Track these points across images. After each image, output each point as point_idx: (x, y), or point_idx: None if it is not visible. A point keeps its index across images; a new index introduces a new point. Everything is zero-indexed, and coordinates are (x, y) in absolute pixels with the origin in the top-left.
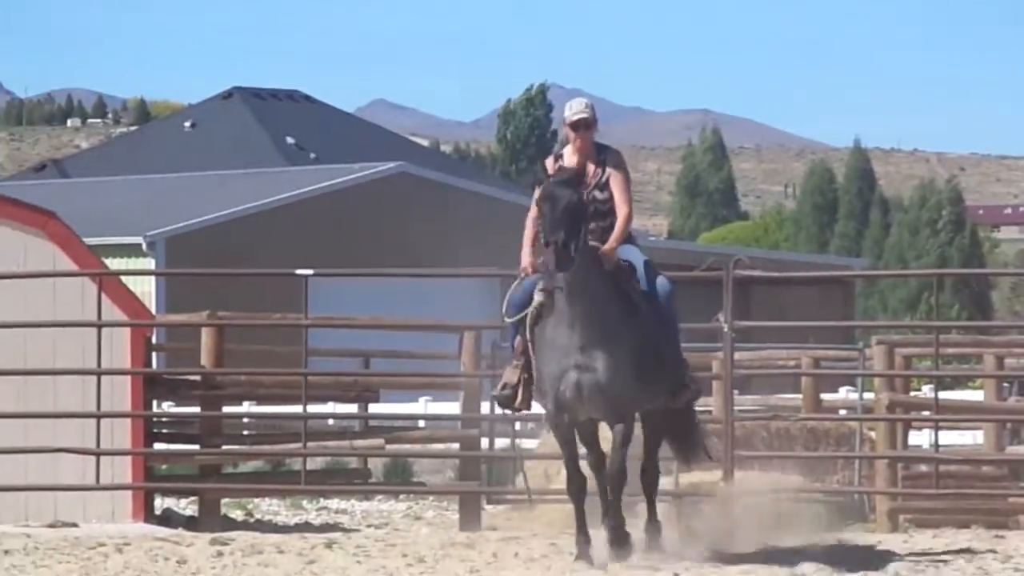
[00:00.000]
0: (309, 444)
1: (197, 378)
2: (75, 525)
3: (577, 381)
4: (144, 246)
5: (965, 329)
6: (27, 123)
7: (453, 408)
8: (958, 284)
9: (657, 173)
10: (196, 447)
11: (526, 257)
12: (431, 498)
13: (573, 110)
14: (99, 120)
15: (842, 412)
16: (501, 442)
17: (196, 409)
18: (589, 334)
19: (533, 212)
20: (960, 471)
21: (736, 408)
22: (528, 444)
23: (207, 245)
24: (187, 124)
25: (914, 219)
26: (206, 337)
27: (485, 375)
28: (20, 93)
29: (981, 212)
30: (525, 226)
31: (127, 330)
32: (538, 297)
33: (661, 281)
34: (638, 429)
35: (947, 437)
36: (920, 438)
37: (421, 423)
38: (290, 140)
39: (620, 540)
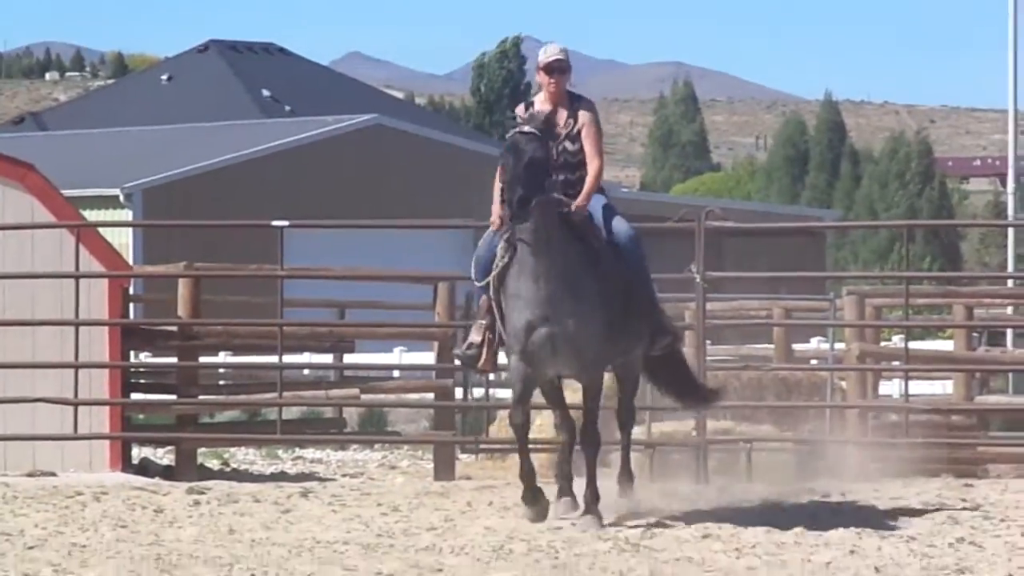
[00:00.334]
0: (285, 394)
1: (174, 329)
2: (53, 474)
3: (547, 335)
4: (121, 198)
5: (935, 280)
6: (5, 76)
7: (427, 358)
8: (928, 235)
9: (630, 125)
10: (173, 397)
11: (496, 210)
12: (406, 447)
13: (547, 53)
14: (77, 73)
15: (813, 362)
16: (475, 392)
17: (173, 359)
18: (555, 287)
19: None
20: (930, 420)
21: (709, 358)
22: (502, 394)
23: (184, 197)
24: (164, 77)
25: (884, 171)
26: (183, 288)
27: (459, 325)
28: (1, 47)
29: (950, 164)
30: (495, 178)
31: (105, 281)
32: (500, 253)
33: (623, 229)
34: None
35: (917, 387)
36: (890, 388)
37: (396, 373)
38: (266, 93)
39: (593, 500)
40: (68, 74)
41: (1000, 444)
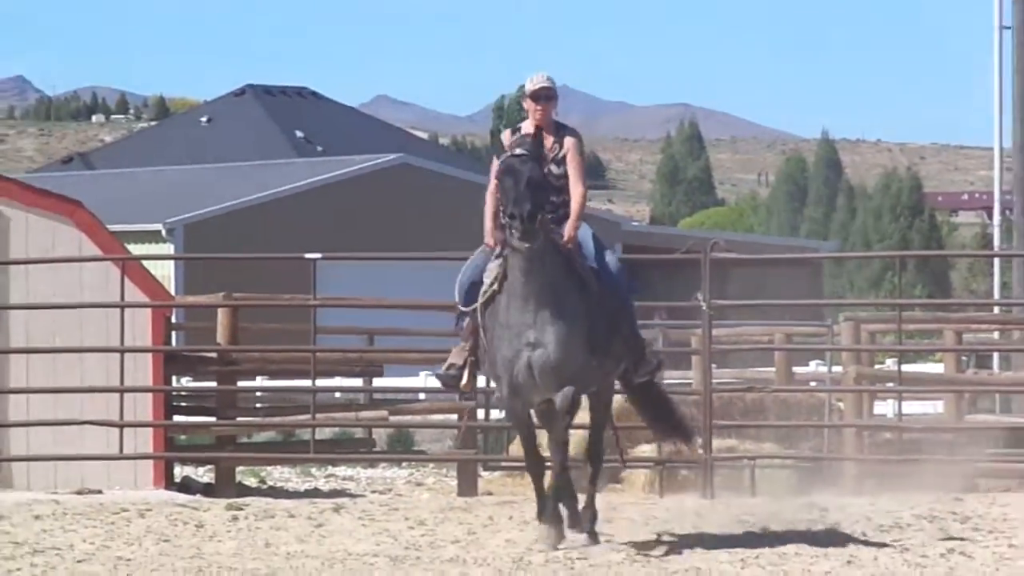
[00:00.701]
0: (318, 416)
1: (213, 355)
2: (100, 492)
3: (528, 361)
4: (164, 232)
5: (926, 306)
6: (55, 119)
7: None
8: (919, 265)
9: (639, 163)
10: (213, 419)
11: (490, 233)
12: (431, 465)
13: (534, 81)
14: (122, 116)
15: (812, 384)
16: (496, 413)
17: (213, 384)
18: (542, 311)
19: (492, 186)
20: (922, 438)
21: (714, 380)
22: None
23: (222, 231)
24: (203, 119)
25: (878, 205)
26: (221, 317)
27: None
28: (49, 91)
29: (940, 198)
30: (486, 202)
31: (148, 311)
32: (488, 278)
33: (611, 258)
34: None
35: (910, 407)
36: (885, 408)
37: (422, 396)
38: (299, 134)
39: (555, 518)
40: (113, 117)
41: (988, 460)
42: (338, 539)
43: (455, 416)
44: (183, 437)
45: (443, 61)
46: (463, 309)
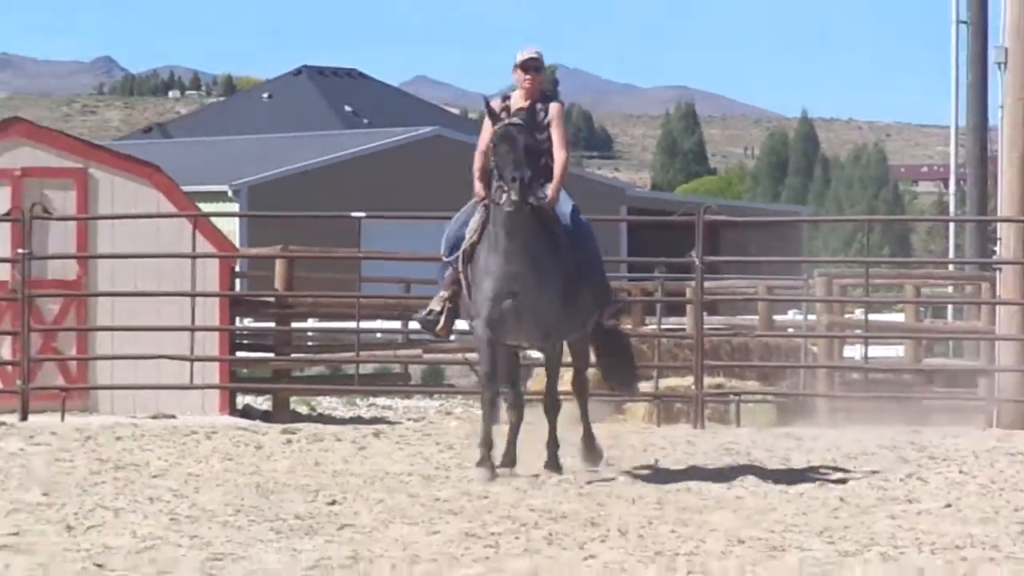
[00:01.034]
0: (361, 353)
1: (272, 299)
2: (173, 417)
3: (513, 306)
4: (230, 193)
5: (889, 264)
6: (137, 94)
7: None
8: (884, 228)
9: (643, 137)
10: (270, 355)
11: (480, 188)
12: (459, 397)
13: (524, 53)
14: (195, 92)
15: (790, 330)
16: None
17: (271, 324)
18: (523, 265)
19: (482, 146)
20: (885, 379)
21: (705, 326)
22: (537, 353)
23: (280, 193)
24: (265, 96)
25: (849, 175)
26: (279, 267)
27: None
28: (132, 70)
29: (903, 170)
30: (475, 160)
31: (216, 261)
32: (470, 231)
33: (581, 216)
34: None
35: (875, 351)
36: (853, 351)
37: (452, 336)
38: (347, 109)
39: (556, 464)
40: (187, 92)
41: (942, 398)
42: (378, 460)
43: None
44: (245, 370)
45: (474, 46)
46: (445, 259)
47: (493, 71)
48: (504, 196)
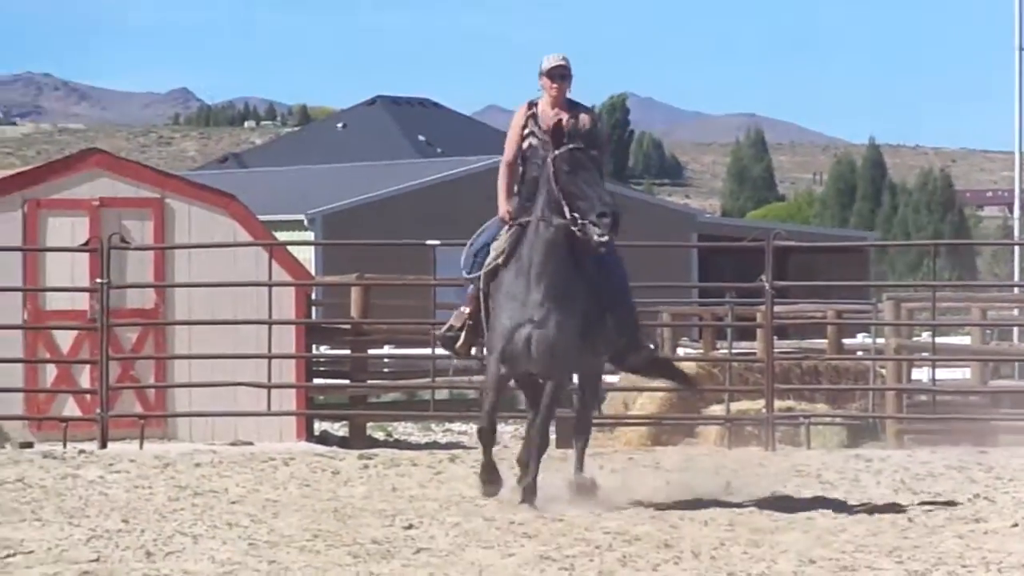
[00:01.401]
0: (437, 379)
1: (348, 327)
2: (251, 444)
3: (528, 336)
4: (306, 222)
5: (956, 287)
6: (213, 124)
7: None
8: (950, 252)
9: (712, 164)
10: (347, 382)
11: (504, 205)
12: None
13: (551, 60)
14: (270, 122)
15: (859, 353)
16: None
17: (347, 351)
18: (549, 292)
19: (509, 156)
20: (953, 400)
21: (775, 350)
22: (610, 379)
23: (356, 221)
24: (339, 125)
25: (916, 201)
26: (355, 294)
27: None
28: (208, 101)
29: (968, 195)
30: (500, 174)
31: (292, 289)
32: (495, 251)
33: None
34: None
35: (942, 373)
36: (921, 374)
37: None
38: (421, 138)
39: (530, 494)
40: (263, 122)
41: (1009, 419)
42: (454, 484)
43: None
44: (321, 397)
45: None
46: (467, 276)
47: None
48: (589, 230)
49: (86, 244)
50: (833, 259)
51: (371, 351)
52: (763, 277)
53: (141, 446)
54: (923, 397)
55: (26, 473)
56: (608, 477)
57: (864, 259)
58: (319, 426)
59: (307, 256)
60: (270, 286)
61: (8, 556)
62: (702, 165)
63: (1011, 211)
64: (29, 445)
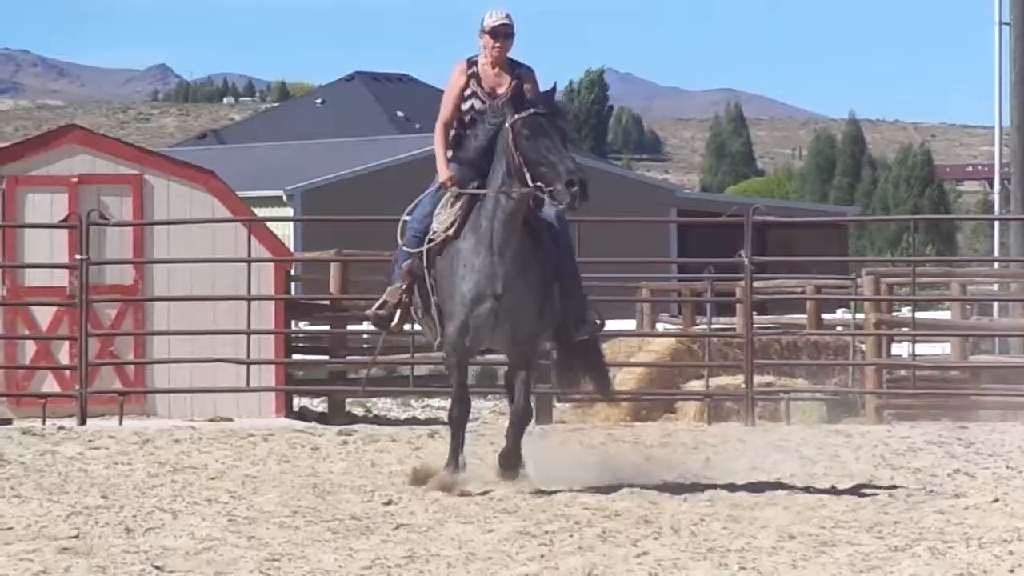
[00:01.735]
0: (416, 355)
1: (327, 303)
2: (230, 420)
3: (492, 310)
4: (284, 198)
5: (935, 263)
6: (192, 101)
7: None
8: (930, 227)
9: (691, 139)
10: (326, 358)
11: (445, 170)
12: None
13: (493, 17)
14: (249, 98)
15: (839, 328)
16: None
17: (326, 327)
18: (514, 265)
19: (446, 116)
20: (932, 375)
21: (755, 326)
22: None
23: (334, 197)
24: (318, 101)
25: (895, 176)
26: (333, 270)
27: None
28: (187, 77)
29: (948, 170)
30: (436, 135)
31: (271, 264)
32: (441, 224)
33: (558, 213)
34: None
35: (922, 348)
36: (900, 349)
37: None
38: (399, 114)
39: (512, 467)
40: (241, 99)
41: (989, 395)
42: (433, 460)
43: None
44: (300, 373)
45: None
46: (408, 251)
47: (541, 73)
48: (551, 197)
49: (65, 220)
50: (813, 234)
51: (350, 327)
52: (742, 252)
53: (120, 422)
54: (903, 372)
55: (5, 449)
56: (587, 453)
57: (844, 234)
58: (298, 402)
59: (286, 232)
60: (249, 262)
61: None
62: (681, 140)
63: (991, 186)
64: (8, 422)
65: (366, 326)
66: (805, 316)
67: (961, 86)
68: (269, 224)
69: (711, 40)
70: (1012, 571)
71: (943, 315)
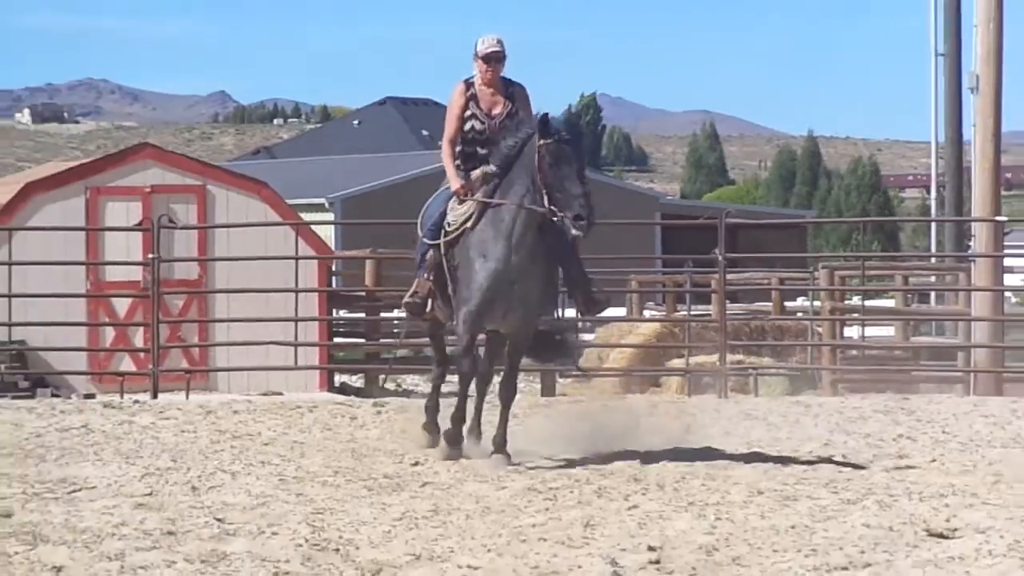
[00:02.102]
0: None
1: (363, 294)
2: (280, 394)
3: (508, 295)
4: (326, 205)
5: (881, 258)
6: (247, 122)
7: None
8: (876, 228)
9: (673, 153)
10: (363, 340)
11: (457, 181)
12: (522, 373)
13: (485, 44)
14: (295, 120)
15: (799, 315)
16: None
17: (362, 315)
18: (526, 257)
19: (451, 135)
20: (879, 354)
21: (728, 312)
22: (586, 336)
23: (370, 204)
24: (355, 122)
25: (847, 184)
26: (369, 266)
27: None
28: (242, 102)
29: (891, 179)
30: (444, 151)
31: (315, 262)
32: (458, 218)
33: None
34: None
35: (870, 331)
36: (852, 332)
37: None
38: (424, 133)
39: (502, 448)
40: (289, 120)
41: (928, 370)
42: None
43: None
44: (341, 353)
45: (533, 76)
46: (428, 242)
47: (545, 98)
48: (565, 224)
49: (139, 224)
50: (776, 234)
51: (383, 314)
52: (717, 250)
53: (187, 397)
54: (854, 352)
55: (89, 420)
56: (584, 422)
57: (803, 234)
58: (339, 378)
59: (328, 234)
60: (296, 259)
61: (74, 491)
62: (664, 154)
63: (929, 192)
64: (92, 396)
65: (396, 313)
66: (770, 304)
67: (903, 107)
68: (313, 227)
69: (690, 69)
70: (948, 520)
71: (888, 303)
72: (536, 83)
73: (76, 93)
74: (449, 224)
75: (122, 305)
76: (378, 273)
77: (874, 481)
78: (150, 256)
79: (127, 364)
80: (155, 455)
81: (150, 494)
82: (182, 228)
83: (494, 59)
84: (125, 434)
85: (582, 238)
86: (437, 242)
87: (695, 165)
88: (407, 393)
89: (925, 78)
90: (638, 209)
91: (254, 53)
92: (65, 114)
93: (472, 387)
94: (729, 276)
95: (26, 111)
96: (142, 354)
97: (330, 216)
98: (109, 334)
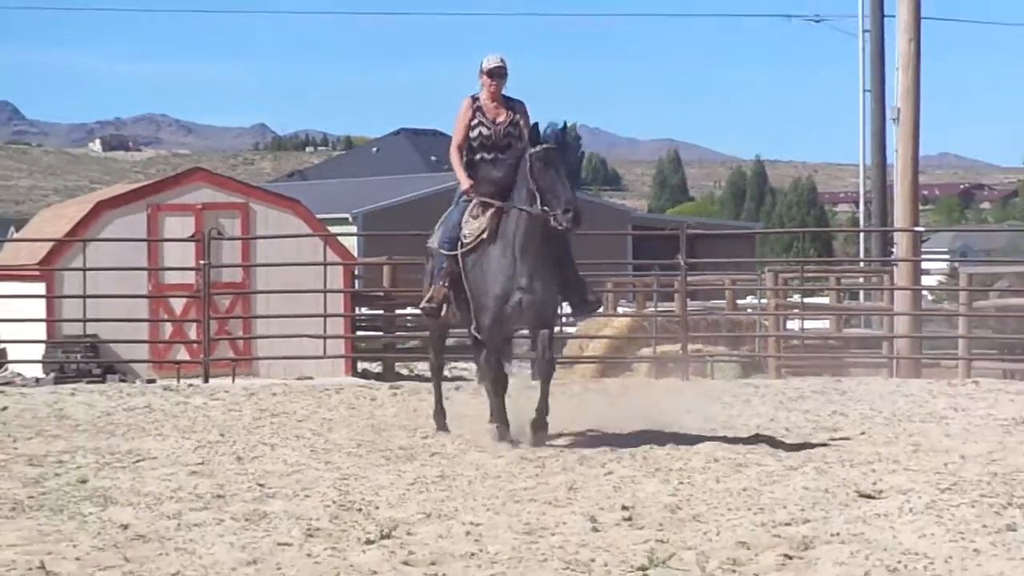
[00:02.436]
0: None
1: (382, 294)
2: (311, 379)
3: (520, 300)
4: (350, 219)
5: (817, 263)
6: (283, 149)
7: None
8: (813, 237)
9: (641, 174)
10: (381, 333)
11: (465, 180)
12: (515, 360)
13: (490, 61)
14: (324, 147)
15: (749, 310)
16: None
17: (380, 312)
18: (532, 264)
19: (459, 141)
20: (816, 344)
21: (688, 308)
22: (568, 329)
23: (387, 218)
24: (374, 150)
25: (789, 200)
26: (386, 271)
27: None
28: (279, 132)
29: (826, 196)
30: (452, 157)
31: (341, 267)
32: (472, 231)
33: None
34: None
35: (809, 324)
36: (793, 325)
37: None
38: (433, 158)
39: (543, 424)
40: (319, 147)
41: (857, 357)
42: (458, 407)
43: (526, 330)
44: (363, 344)
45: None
46: (446, 253)
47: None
48: (553, 219)
49: (192, 236)
50: (729, 243)
51: (399, 312)
52: (679, 256)
53: (233, 381)
54: (795, 341)
55: (151, 401)
56: (568, 402)
57: (752, 243)
58: (361, 365)
59: (351, 244)
60: (325, 265)
61: (139, 461)
62: (634, 175)
63: (857, 207)
64: (152, 381)
65: (410, 310)
66: (725, 302)
67: (836, 135)
68: (339, 238)
69: (657, 104)
70: (875, 483)
71: (823, 300)
72: (538, 109)
73: (139, 126)
74: (465, 237)
75: (178, 304)
76: (394, 276)
77: (812, 450)
78: (201, 263)
79: (182, 354)
80: (206, 430)
81: (202, 463)
82: (229, 239)
83: (497, 74)
84: (181, 413)
85: (572, 230)
86: (454, 253)
87: (660, 185)
88: (419, 378)
89: (855, 111)
90: (613, 222)
91: (289, 91)
92: (130, 143)
93: (493, 386)
94: (689, 278)
95: (97, 141)
96: (195, 345)
97: (353, 229)
98: (167, 329)
